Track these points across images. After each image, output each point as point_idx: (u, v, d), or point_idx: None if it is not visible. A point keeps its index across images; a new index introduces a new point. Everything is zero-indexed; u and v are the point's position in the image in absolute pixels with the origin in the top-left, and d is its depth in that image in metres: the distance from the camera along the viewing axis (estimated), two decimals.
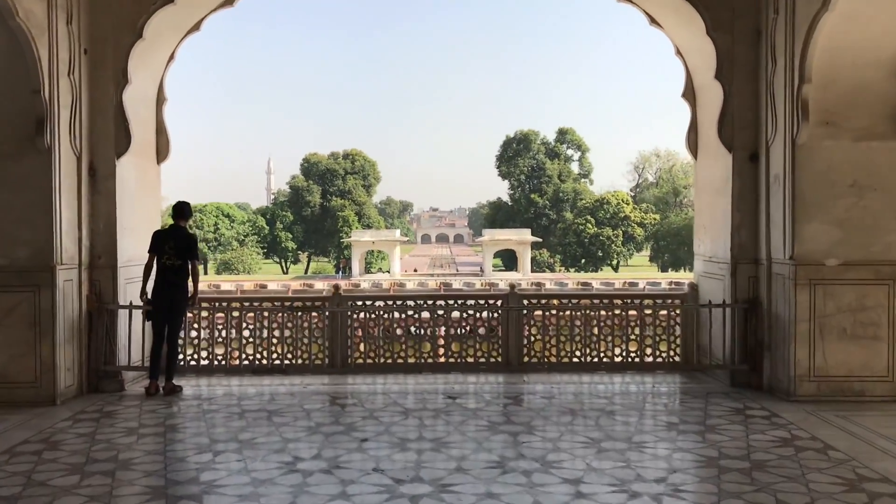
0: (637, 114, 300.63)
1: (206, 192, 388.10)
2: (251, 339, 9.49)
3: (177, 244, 9.05)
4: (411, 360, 9.55)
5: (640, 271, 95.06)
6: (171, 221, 9.40)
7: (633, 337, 9.55)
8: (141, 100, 9.83)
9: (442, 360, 9.58)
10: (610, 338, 9.57)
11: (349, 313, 9.57)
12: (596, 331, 9.57)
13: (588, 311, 9.56)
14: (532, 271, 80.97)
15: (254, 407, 8.23)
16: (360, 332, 9.59)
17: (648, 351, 9.69)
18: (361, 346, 9.68)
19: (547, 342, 9.56)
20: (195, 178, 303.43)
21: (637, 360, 9.52)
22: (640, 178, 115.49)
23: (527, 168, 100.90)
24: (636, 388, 9.24)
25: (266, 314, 9.47)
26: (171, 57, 10.24)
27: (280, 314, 9.44)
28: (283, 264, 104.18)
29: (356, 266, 78.87)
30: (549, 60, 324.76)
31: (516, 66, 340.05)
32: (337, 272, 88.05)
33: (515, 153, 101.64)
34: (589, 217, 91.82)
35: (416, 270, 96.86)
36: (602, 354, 9.55)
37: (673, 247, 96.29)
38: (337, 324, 9.54)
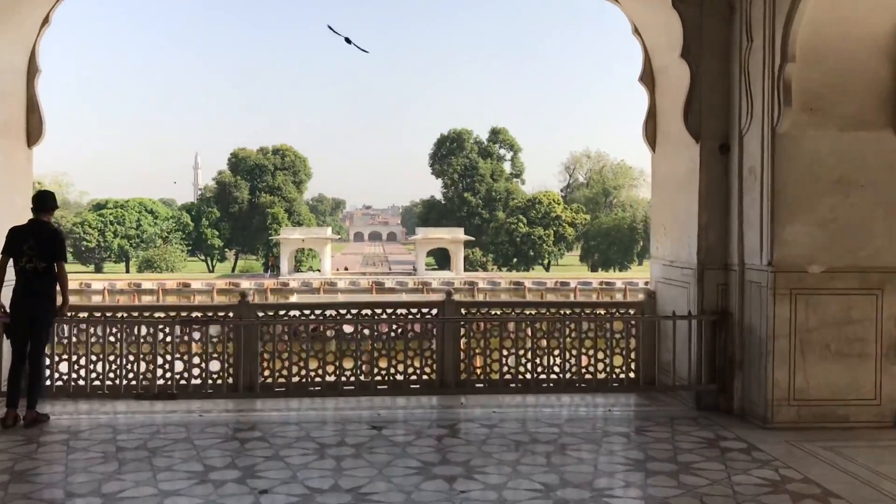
0: (570, 114, 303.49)
1: (131, 188, 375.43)
2: (137, 358, 7.92)
3: (38, 243, 7.38)
4: (330, 379, 8.12)
5: (571, 270, 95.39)
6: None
7: (583, 351, 8.33)
8: (5, 70, 8.18)
9: (365, 378, 8.15)
10: (557, 352, 8.32)
11: (259, 326, 8.08)
12: (544, 343, 8.30)
13: (535, 324, 8.30)
14: (465, 270, 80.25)
15: (133, 443, 6.69)
16: (270, 348, 8.10)
17: (600, 367, 8.50)
18: (275, 364, 8.20)
19: (488, 357, 8.27)
20: (118, 172, 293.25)
21: (589, 377, 8.32)
22: (571, 179, 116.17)
23: (460, 167, 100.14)
24: (588, 411, 8.05)
25: (159, 328, 7.91)
26: (46, 20, 8.58)
27: (174, 327, 7.86)
28: (210, 262, 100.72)
29: (285, 265, 76.58)
30: (484, 57, 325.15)
31: (451, 63, 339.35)
32: (266, 271, 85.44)
33: (449, 152, 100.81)
34: (521, 216, 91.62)
35: (346, 269, 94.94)
36: (549, 371, 8.28)
37: (603, 247, 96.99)
38: (243, 338, 8.05)
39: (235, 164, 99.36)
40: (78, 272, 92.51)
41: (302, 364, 8.06)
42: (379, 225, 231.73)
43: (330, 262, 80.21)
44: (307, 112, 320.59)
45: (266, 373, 8.06)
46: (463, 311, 8.48)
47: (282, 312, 8.36)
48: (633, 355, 8.57)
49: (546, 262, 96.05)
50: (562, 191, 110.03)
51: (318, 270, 79.76)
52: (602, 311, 8.67)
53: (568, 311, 8.58)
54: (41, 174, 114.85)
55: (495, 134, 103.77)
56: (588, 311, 8.68)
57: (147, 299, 64.75)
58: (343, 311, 8.34)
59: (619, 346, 8.53)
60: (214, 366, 8.03)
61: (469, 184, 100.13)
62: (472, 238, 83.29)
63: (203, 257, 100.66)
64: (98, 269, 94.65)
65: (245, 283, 71.33)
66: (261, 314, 8.28)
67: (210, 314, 8.18)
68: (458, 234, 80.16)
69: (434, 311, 8.34)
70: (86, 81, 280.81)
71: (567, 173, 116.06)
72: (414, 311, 8.38)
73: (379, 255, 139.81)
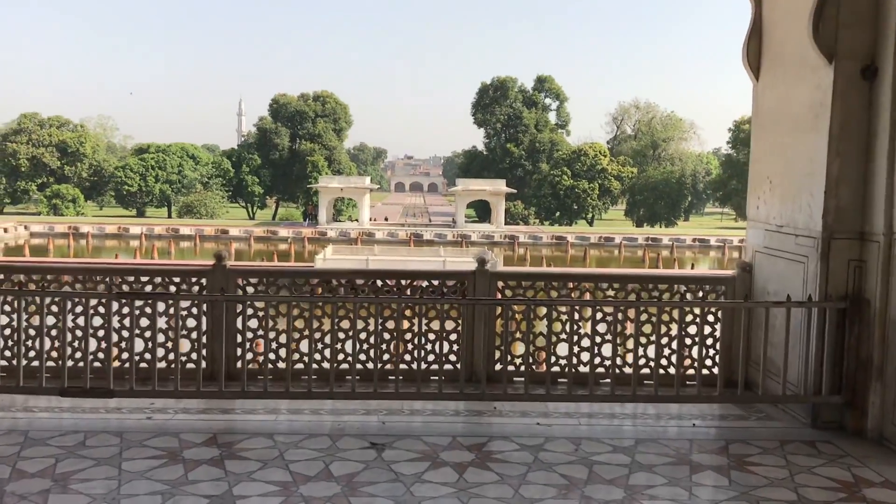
0: (616, 63, 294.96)
1: (175, 133, 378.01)
2: (66, 342, 6.09)
3: None
4: (326, 366, 6.21)
5: (615, 225, 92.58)
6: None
7: (657, 342, 6.28)
8: None
9: (372, 366, 6.22)
10: (620, 343, 6.31)
11: (240, 303, 6.16)
12: (602, 329, 6.28)
13: (596, 307, 6.27)
14: (506, 223, 78.09)
15: (34, 466, 4.88)
16: (249, 334, 6.20)
17: (673, 364, 6.48)
18: (258, 353, 6.31)
19: (531, 343, 6.27)
20: (162, 116, 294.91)
21: (665, 380, 6.27)
22: (619, 130, 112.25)
23: (503, 117, 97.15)
24: (663, 428, 6.03)
25: (94, 301, 6.07)
26: None
27: (110, 303, 5.97)
28: (250, 209, 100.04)
29: (323, 214, 75.25)
30: (528, 3, 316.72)
31: (493, 9, 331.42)
32: (304, 220, 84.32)
33: (492, 101, 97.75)
34: (565, 169, 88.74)
35: (386, 219, 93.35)
36: (612, 369, 6.25)
37: (650, 201, 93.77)
38: (211, 318, 6.17)
39: (276, 110, 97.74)
40: (119, 216, 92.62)
41: (292, 353, 6.13)
42: (420, 175, 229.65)
43: (368, 211, 78.71)
44: (350, 60, 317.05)
45: (240, 364, 6.15)
46: (500, 283, 6.49)
47: (268, 281, 6.43)
48: (714, 350, 6.52)
49: (590, 216, 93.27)
50: (608, 142, 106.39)
51: (357, 220, 78.33)
52: (683, 290, 6.60)
53: (636, 290, 6.56)
54: (86, 117, 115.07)
55: (541, 82, 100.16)
56: (661, 289, 6.64)
57: (184, 245, 64.07)
58: (343, 283, 6.40)
59: (699, 338, 6.50)
60: (175, 354, 6.18)
61: (512, 134, 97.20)
62: (514, 190, 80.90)
63: (243, 204, 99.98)
64: (140, 214, 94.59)
65: (283, 231, 70.25)
66: (241, 282, 6.38)
67: (177, 281, 6.33)
68: (500, 185, 77.81)
69: (465, 284, 6.38)
70: (133, 25, 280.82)
71: (614, 124, 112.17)
72: (437, 282, 6.43)
73: (419, 205, 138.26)
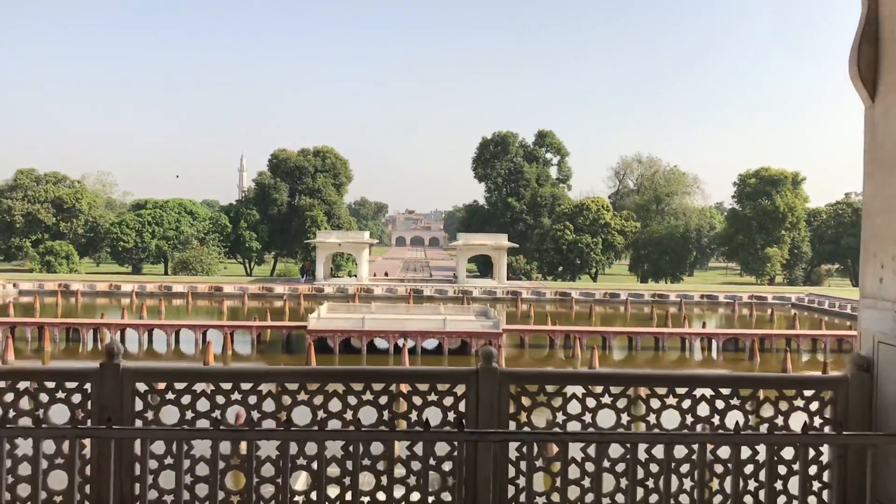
0: (618, 116, 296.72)
1: (177, 189, 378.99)
2: None
3: None
4: None
5: (619, 281, 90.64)
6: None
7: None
8: None
9: None
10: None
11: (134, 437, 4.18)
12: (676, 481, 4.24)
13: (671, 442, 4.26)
14: (508, 278, 76.17)
15: None
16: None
17: None
18: None
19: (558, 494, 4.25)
20: (165, 172, 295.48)
21: None
22: (621, 185, 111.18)
23: (504, 171, 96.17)
24: None
25: None
26: None
27: None
28: (248, 265, 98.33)
29: (320, 269, 73.42)
30: (530, 59, 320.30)
31: (495, 66, 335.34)
32: (302, 275, 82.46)
33: (493, 155, 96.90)
34: (567, 223, 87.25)
35: (386, 274, 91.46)
36: None
37: (654, 256, 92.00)
38: (107, 456, 4.18)
39: (276, 165, 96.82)
40: (114, 272, 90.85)
41: None
42: (421, 230, 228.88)
43: (367, 267, 76.83)
44: (348, 115, 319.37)
45: None
46: (513, 388, 4.50)
47: (173, 393, 4.44)
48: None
49: (593, 271, 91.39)
50: (610, 197, 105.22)
51: (356, 276, 76.48)
52: (772, 398, 4.64)
53: (707, 396, 4.60)
54: (86, 173, 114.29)
55: (542, 137, 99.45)
56: (743, 395, 4.68)
57: (177, 303, 62.07)
58: (281, 408, 4.42)
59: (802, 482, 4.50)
60: None
61: (513, 188, 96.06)
62: (516, 245, 79.22)
63: (241, 260, 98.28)
64: (137, 270, 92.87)
65: (279, 288, 68.28)
66: (141, 388, 4.41)
67: (39, 388, 4.36)
68: (502, 240, 76.15)
69: (459, 390, 4.38)
70: (133, 81, 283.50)
71: (616, 178, 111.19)
72: (423, 387, 4.44)
73: (420, 260, 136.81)
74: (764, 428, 4.45)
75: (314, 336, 37.76)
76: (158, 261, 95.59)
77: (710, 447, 4.08)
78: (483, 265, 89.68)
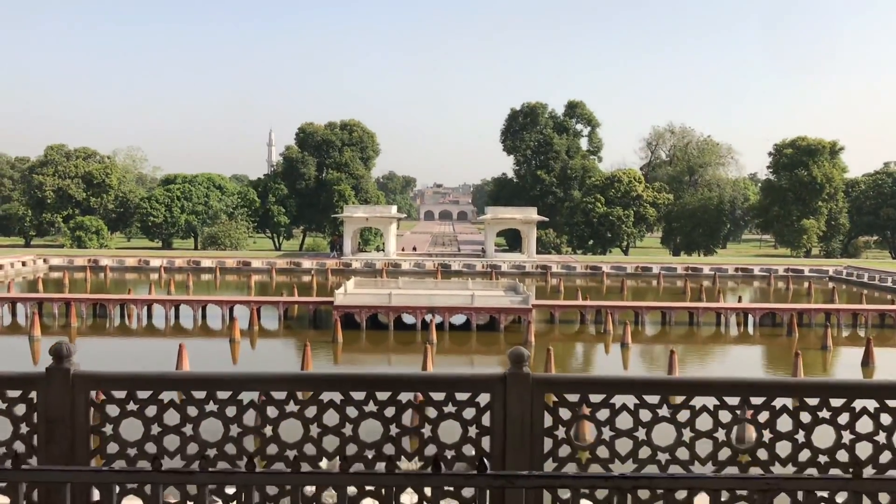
0: (650, 85, 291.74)
1: (207, 164, 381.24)
2: None
3: None
4: None
5: (651, 254, 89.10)
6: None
7: None
8: None
9: None
10: None
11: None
12: None
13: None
14: (537, 252, 75.11)
15: None
16: None
17: None
18: None
19: None
20: (194, 147, 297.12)
21: None
22: (653, 156, 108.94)
23: (533, 143, 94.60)
24: None
25: None
26: None
27: None
28: (276, 239, 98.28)
29: (348, 244, 72.88)
30: (561, 29, 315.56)
31: (526, 34, 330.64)
32: (331, 250, 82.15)
33: (522, 127, 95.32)
34: (598, 196, 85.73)
35: (414, 248, 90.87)
36: None
37: (687, 229, 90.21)
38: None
39: (303, 139, 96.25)
40: (144, 248, 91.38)
41: None
42: (449, 204, 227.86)
43: (395, 241, 76.16)
44: (377, 88, 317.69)
45: None
46: (551, 398, 3.68)
47: (135, 403, 3.67)
48: None
49: (625, 244, 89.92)
50: (642, 168, 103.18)
51: (383, 250, 75.94)
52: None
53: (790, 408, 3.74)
54: (116, 148, 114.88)
55: (572, 108, 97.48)
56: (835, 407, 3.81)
57: (205, 278, 62.02)
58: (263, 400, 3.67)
59: None
60: None
61: (543, 161, 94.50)
62: (546, 218, 77.98)
63: (270, 234, 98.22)
64: (167, 245, 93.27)
65: (307, 263, 67.91)
66: (96, 397, 3.68)
67: None
68: (531, 213, 74.91)
69: (483, 400, 3.56)
70: (164, 57, 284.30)
71: (648, 150, 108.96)
72: (439, 397, 3.63)
73: (448, 234, 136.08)
74: None
75: (341, 312, 37.24)
76: (188, 235, 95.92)
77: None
78: (512, 239, 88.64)
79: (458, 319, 38.26)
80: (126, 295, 43.35)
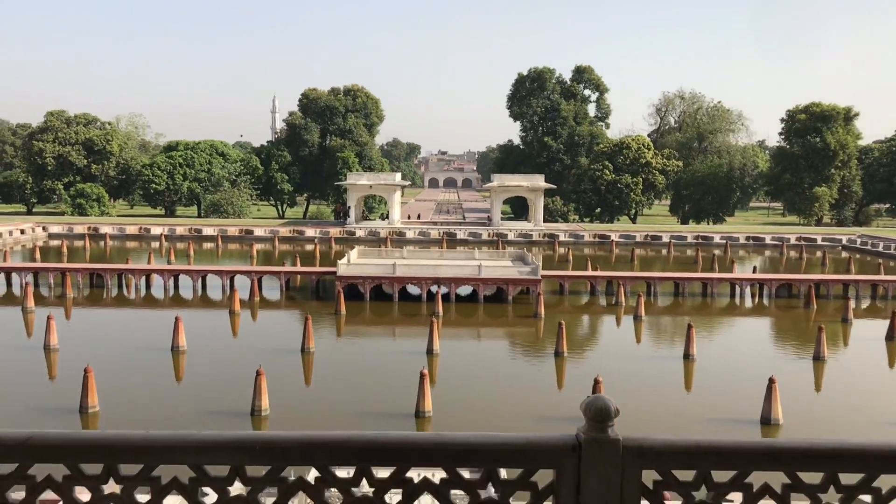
0: (659, 50, 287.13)
1: (210, 130, 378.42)
2: None
3: None
4: None
5: (659, 222, 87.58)
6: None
7: None
8: None
9: None
10: None
11: None
12: None
13: None
14: (544, 220, 73.61)
15: None
16: None
17: None
18: None
19: None
20: (197, 114, 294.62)
21: None
22: (662, 122, 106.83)
23: (540, 109, 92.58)
24: None
25: None
26: None
27: None
28: (279, 207, 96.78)
29: (352, 212, 71.48)
30: None
31: None
32: (336, 218, 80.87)
33: (528, 93, 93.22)
34: (606, 162, 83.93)
35: (419, 216, 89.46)
36: None
37: (696, 196, 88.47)
38: None
39: (306, 105, 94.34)
40: (147, 215, 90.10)
41: None
42: (454, 171, 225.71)
43: (399, 209, 74.72)
44: (380, 54, 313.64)
45: None
46: (646, 474, 2.35)
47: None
48: None
49: (633, 212, 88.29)
50: (651, 135, 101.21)
51: (387, 218, 74.61)
52: None
53: None
54: (119, 115, 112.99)
55: (580, 73, 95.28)
56: None
57: (207, 246, 60.88)
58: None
59: None
60: None
61: (550, 127, 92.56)
62: (553, 185, 76.37)
63: (273, 202, 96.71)
64: (170, 213, 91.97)
65: (310, 231, 66.61)
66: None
67: None
68: (538, 181, 73.27)
69: (542, 481, 2.25)
70: (166, 22, 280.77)
71: (657, 116, 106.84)
72: (472, 474, 2.37)
73: (453, 202, 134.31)
74: None
75: (344, 282, 36.11)
76: (191, 203, 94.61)
77: None
78: (518, 207, 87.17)
79: (465, 290, 37.11)
80: (124, 264, 42.23)
